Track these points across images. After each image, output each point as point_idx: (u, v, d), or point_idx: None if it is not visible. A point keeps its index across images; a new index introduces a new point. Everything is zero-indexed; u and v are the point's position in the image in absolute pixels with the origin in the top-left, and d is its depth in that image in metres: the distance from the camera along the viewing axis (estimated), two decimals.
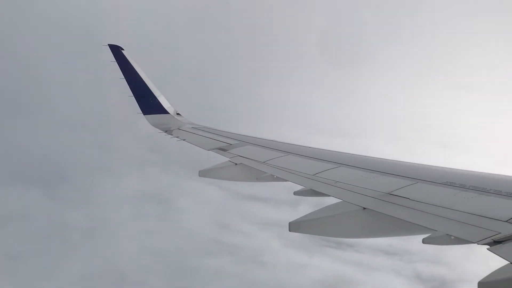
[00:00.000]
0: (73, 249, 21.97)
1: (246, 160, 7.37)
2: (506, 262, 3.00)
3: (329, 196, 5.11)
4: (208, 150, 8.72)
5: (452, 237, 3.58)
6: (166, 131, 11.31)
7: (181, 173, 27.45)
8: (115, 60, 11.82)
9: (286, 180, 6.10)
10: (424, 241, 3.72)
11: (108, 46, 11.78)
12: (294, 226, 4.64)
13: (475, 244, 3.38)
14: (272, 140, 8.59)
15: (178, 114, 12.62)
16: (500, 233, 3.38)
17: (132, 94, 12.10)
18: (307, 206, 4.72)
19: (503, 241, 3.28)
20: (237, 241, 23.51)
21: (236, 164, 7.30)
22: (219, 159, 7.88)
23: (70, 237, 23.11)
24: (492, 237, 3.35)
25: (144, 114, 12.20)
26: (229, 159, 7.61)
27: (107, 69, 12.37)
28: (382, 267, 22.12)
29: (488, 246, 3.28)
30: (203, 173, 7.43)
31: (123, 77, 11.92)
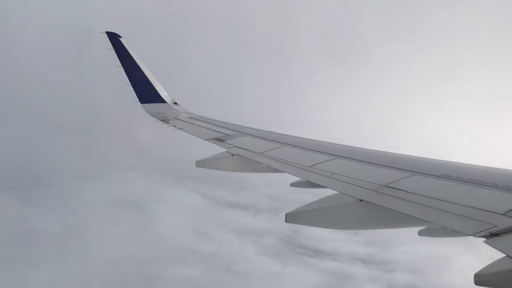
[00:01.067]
0: (44, 256, 21.91)
1: (243, 151, 7.34)
2: (503, 255, 3.00)
3: (325, 187, 5.09)
4: (205, 140, 8.69)
5: (448, 230, 3.57)
6: (163, 120, 11.26)
7: (163, 179, 27.43)
8: (112, 48, 11.73)
9: (282, 172, 6.08)
10: (420, 233, 3.71)
11: (105, 34, 11.68)
12: (291, 217, 4.62)
13: (472, 237, 3.37)
14: (269, 131, 8.56)
15: (175, 103, 12.56)
16: (497, 226, 3.37)
17: (129, 83, 12.02)
18: (295, 206, 4.71)
19: (500, 234, 3.28)
20: (212, 249, 23.56)
21: (233, 154, 7.28)
22: (216, 149, 7.85)
23: (42, 243, 23.00)
24: (489, 230, 3.34)
25: (141, 103, 12.14)
26: (226, 150, 7.58)
27: (105, 57, 12.26)
28: (358, 276, 22.34)
29: (484, 239, 3.27)
30: (200, 164, 7.40)
31: (120, 65, 11.83)
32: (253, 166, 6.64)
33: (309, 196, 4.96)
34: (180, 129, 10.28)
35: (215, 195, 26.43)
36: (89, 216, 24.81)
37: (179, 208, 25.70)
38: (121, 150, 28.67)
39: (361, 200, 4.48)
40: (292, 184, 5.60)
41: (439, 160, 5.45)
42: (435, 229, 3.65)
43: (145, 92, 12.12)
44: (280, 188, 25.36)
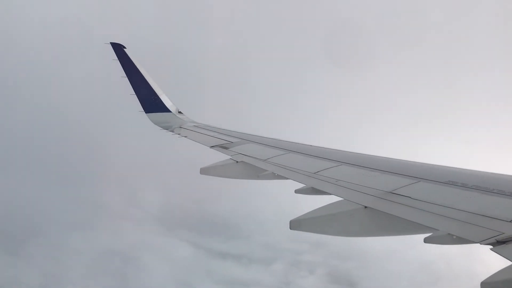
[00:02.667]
0: None
1: (247, 158, 7.34)
2: (510, 263, 2.96)
3: (330, 194, 5.07)
4: (210, 147, 8.70)
5: (454, 237, 3.53)
6: (167, 129, 11.31)
7: (156, 229, 27.14)
8: (117, 59, 11.82)
9: (287, 178, 6.06)
10: (426, 240, 3.67)
11: (110, 45, 11.78)
12: (295, 224, 4.60)
13: (478, 244, 3.33)
14: (273, 138, 8.56)
15: (179, 112, 12.61)
16: (504, 233, 3.33)
17: (134, 93, 12.10)
18: (299, 213, 4.68)
19: (507, 241, 3.23)
20: None
21: (237, 162, 7.27)
22: (220, 156, 7.85)
23: None
24: (495, 237, 3.30)
25: (146, 113, 12.20)
26: (230, 157, 7.58)
27: (109, 68, 12.35)
28: None
29: (491, 246, 3.23)
30: (205, 171, 7.40)
31: (125, 75, 11.93)
32: (258, 173, 6.63)
33: (314, 203, 4.93)
34: (185, 137, 10.31)
35: (207, 245, 26.06)
36: (73, 266, 24.60)
37: (167, 259, 25.25)
38: (119, 189, 28.39)
39: (366, 207, 4.45)
40: (296, 191, 5.58)
41: (444, 166, 5.40)
42: (441, 236, 3.61)
43: (150, 102, 12.19)
44: (276, 237, 25.43)
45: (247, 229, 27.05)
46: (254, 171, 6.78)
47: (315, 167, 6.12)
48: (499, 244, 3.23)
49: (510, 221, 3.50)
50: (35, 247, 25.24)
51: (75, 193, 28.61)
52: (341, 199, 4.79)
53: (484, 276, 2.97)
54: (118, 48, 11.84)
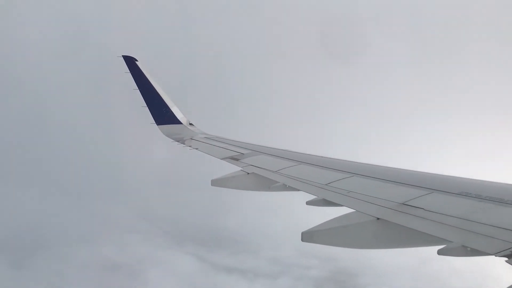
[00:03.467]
0: None
1: (258, 169, 7.34)
2: None
3: (342, 206, 5.05)
4: (221, 159, 8.74)
5: (469, 249, 3.49)
6: (178, 141, 11.39)
7: (164, 242, 26.95)
8: (129, 71, 11.99)
9: (298, 190, 6.05)
10: (439, 252, 3.63)
11: (122, 58, 11.96)
12: (307, 236, 4.58)
13: (493, 256, 3.29)
14: (284, 150, 8.57)
15: (191, 124, 12.71)
16: None
17: (145, 105, 12.24)
18: (310, 225, 4.65)
19: None
20: None
21: (248, 173, 7.29)
22: (231, 168, 7.88)
23: None
24: (511, 249, 3.25)
25: (157, 124, 12.32)
26: (241, 169, 7.59)
27: (122, 80, 12.52)
28: None
29: (506, 259, 3.19)
30: (215, 183, 7.42)
31: (137, 88, 12.08)
32: (269, 184, 6.63)
33: (325, 215, 4.91)
34: (196, 148, 10.37)
35: (213, 259, 25.90)
36: (78, 280, 24.47)
37: (173, 274, 25.06)
38: (130, 201, 28.43)
39: (378, 219, 4.43)
40: (308, 203, 5.56)
41: (457, 177, 5.36)
42: (455, 248, 3.57)
43: (161, 114, 12.32)
44: (285, 251, 25.30)
45: (256, 243, 26.87)
46: (265, 183, 6.78)
47: (326, 178, 6.11)
48: None
49: None
50: (41, 261, 25.22)
51: (86, 205, 28.73)
52: (353, 210, 4.77)
53: None
54: (130, 61, 12.01)
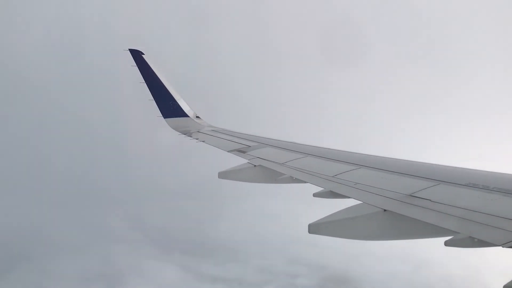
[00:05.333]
0: None
1: (265, 161, 7.37)
2: None
3: (349, 198, 5.06)
4: (227, 152, 8.77)
5: (476, 240, 3.50)
6: (185, 134, 11.44)
7: (150, 252, 26.57)
8: (135, 65, 12.02)
9: (305, 182, 6.07)
10: (447, 243, 3.65)
11: (129, 51, 11.98)
12: (314, 228, 4.61)
13: (500, 247, 3.30)
14: (291, 142, 8.58)
15: (197, 117, 12.75)
16: None
17: (152, 98, 12.29)
18: (317, 217, 4.64)
19: None
20: None
21: (255, 165, 7.31)
22: (238, 161, 7.91)
23: None
24: None
25: (164, 118, 12.37)
26: (248, 161, 7.62)
27: (129, 73, 12.54)
28: None
29: None
30: (223, 175, 7.47)
31: (143, 81, 12.12)
32: (276, 176, 6.66)
33: (332, 206, 4.92)
34: (203, 141, 10.42)
35: (199, 268, 25.50)
36: None
37: (154, 284, 24.68)
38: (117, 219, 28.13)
39: (385, 210, 4.44)
40: (315, 195, 5.58)
41: (464, 168, 5.35)
42: (462, 239, 3.58)
43: (168, 107, 12.36)
44: (273, 260, 25.00)
45: (245, 252, 26.38)
46: (272, 175, 6.80)
47: (333, 170, 6.12)
48: None
49: None
50: (22, 273, 24.54)
51: (77, 212, 27.94)
52: (360, 202, 4.79)
53: (506, 279, 2.95)
54: (137, 54, 12.03)
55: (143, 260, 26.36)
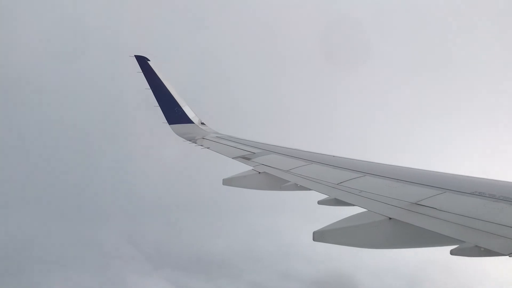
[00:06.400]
0: None
1: (269, 168, 7.36)
2: None
3: (354, 205, 5.04)
4: (232, 158, 8.77)
5: (482, 249, 3.47)
6: (190, 140, 11.47)
7: (141, 267, 26.20)
8: (141, 71, 12.10)
9: (310, 189, 6.06)
10: (452, 252, 3.62)
11: (134, 57, 12.08)
12: (318, 236, 4.59)
13: (507, 257, 3.27)
14: (295, 149, 8.57)
15: (202, 123, 12.80)
16: None
17: (157, 104, 12.36)
18: (322, 224, 4.61)
19: None
20: None
21: (259, 172, 7.31)
22: (243, 167, 7.91)
23: None
24: None
25: (169, 124, 12.43)
26: (253, 168, 7.62)
27: (134, 80, 12.61)
28: None
29: None
30: (227, 182, 7.46)
31: (149, 87, 12.20)
32: (280, 184, 6.65)
33: (337, 214, 4.90)
34: (208, 148, 10.43)
35: (189, 284, 25.13)
36: None
37: None
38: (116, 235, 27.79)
39: (390, 218, 4.42)
40: (319, 202, 5.57)
41: (470, 176, 5.32)
42: (468, 248, 3.55)
43: (173, 113, 12.43)
44: (267, 275, 24.72)
45: (239, 267, 26.00)
46: (276, 182, 6.79)
47: (338, 178, 6.10)
48: None
49: None
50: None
51: (74, 225, 27.27)
52: (365, 210, 4.77)
53: None
54: (142, 61, 12.12)
55: (133, 275, 25.96)
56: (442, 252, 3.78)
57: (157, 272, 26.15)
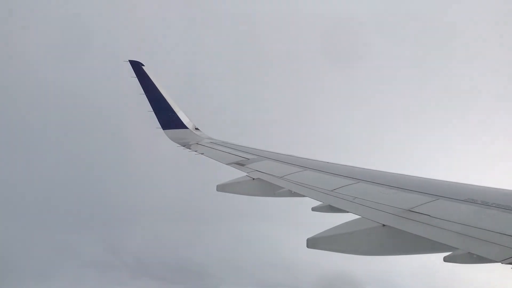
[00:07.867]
0: None
1: (263, 175, 7.36)
2: None
3: (347, 212, 5.05)
4: (226, 164, 8.76)
5: (475, 256, 3.49)
6: (184, 146, 11.45)
7: (119, 276, 25.24)
8: (135, 76, 12.08)
9: (303, 196, 6.06)
10: (445, 259, 3.63)
11: (129, 62, 12.06)
12: (312, 243, 4.59)
13: (499, 263, 3.28)
14: (289, 155, 8.58)
15: (196, 129, 12.79)
16: None
17: (151, 109, 12.34)
18: (316, 231, 4.60)
19: None
20: None
21: (253, 179, 7.30)
22: (237, 173, 7.90)
23: None
24: None
25: (163, 129, 12.40)
26: (247, 174, 7.61)
27: (128, 85, 12.58)
28: None
29: None
30: (221, 188, 7.45)
31: (143, 92, 12.18)
32: (274, 190, 6.64)
33: (331, 221, 4.90)
34: (202, 153, 10.42)
35: None
36: None
37: None
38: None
39: (384, 225, 4.43)
40: (313, 209, 5.57)
41: (463, 183, 5.35)
42: (461, 255, 3.56)
43: (167, 118, 12.41)
44: (244, 287, 24.14)
45: (220, 276, 25.23)
46: (270, 188, 6.79)
47: (332, 184, 6.11)
48: None
49: None
50: None
51: (53, 233, 26.79)
52: (359, 217, 4.77)
53: None
54: (137, 66, 12.11)
55: (108, 285, 25.19)
56: (436, 259, 3.78)
57: (134, 281, 25.52)
